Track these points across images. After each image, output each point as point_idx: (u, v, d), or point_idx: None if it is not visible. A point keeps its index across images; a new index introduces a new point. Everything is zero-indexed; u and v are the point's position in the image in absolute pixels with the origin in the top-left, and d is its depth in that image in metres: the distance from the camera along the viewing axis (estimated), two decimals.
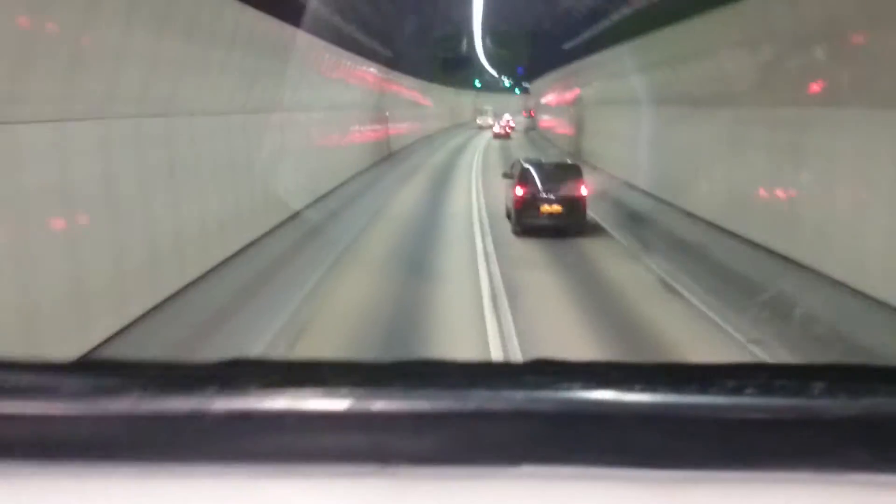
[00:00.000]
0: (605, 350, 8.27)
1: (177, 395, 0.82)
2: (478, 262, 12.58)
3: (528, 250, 13.92)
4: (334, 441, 0.81)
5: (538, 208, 14.94)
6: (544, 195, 14.91)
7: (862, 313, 9.19)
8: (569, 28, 31.20)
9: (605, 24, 24.69)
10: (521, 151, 32.56)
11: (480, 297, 10.25)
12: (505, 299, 10.08)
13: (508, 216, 16.35)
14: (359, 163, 26.08)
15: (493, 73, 79.98)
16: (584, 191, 15.27)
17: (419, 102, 46.19)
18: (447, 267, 12.65)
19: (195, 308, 9.53)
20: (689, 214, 16.41)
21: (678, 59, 16.99)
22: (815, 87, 10.77)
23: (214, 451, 0.81)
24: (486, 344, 8.38)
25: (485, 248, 13.76)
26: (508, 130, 56.06)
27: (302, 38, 15.56)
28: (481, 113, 72.08)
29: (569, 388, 0.82)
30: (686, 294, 10.62)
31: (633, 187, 21.29)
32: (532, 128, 60.91)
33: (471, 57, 64.36)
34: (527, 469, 0.79)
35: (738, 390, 0.82)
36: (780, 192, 12.32)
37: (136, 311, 8.68)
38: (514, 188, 15.66)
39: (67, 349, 6.91)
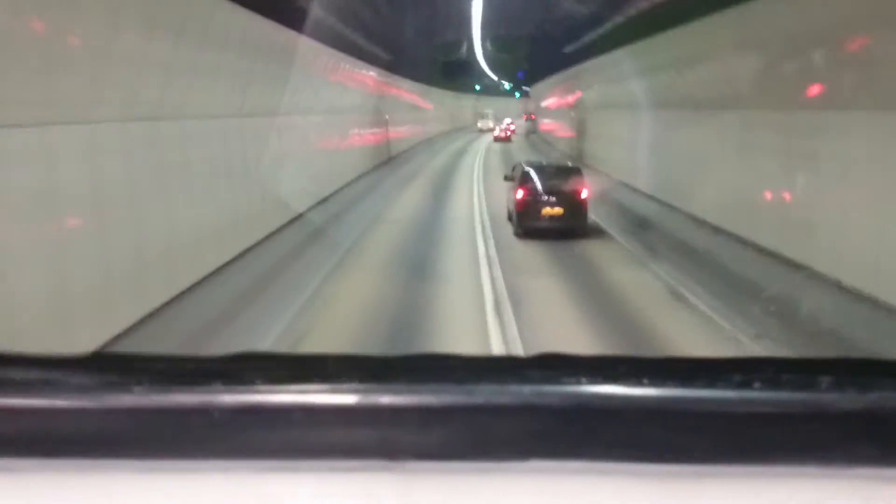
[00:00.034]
0: None
1: (183, 389, 0.83)
2: (480, 266, 12.33)
3: (532, 255, 13.66)
4: (341, 436, 0.82)
5: (539, 211, 15.00)
6: (545, 197, 14.97)
7: (883, 321, 8.97)
8: (570, 32, 31.19)
9: (606, 27, 24.65)
10: (522, 155, 32.53)
11: (483, 304, 9.99)
12: (508, 306, 9.80)
13: (510, 218, 16.38)
14: (358, 167, 25.88)
15: (494, 76, 79.97)
16: (585, 193, 15.31)
17: (419, 106, 46.20)
18: (449, 274, 12.34)
19: (183, 320, 9.26)
20: (695, 219, 16.03)
21: (683, 62, 16.74)
22: (830, 90, 10.49)
23: (221, 446, 0.81)
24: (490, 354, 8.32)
25: (487, 252, 13.47)
26: (509, 134, 56.21)
27: (299, 41, 15.50)
28: (482, 116, 72.23)
29: (576, 383, 0.82)
30: (694, 301, 10.33)
31: (636, 191, 21.02)
32: (533, 131, 60.95)
33: (471, 60, 64.32)
34: (534, 464, 0.79)
35: (745, 384, 0.82)
36: (792, 197, 12.01)
37: (126, 320, 8.48)
38: (515, 190, 15.74)
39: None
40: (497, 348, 8.30)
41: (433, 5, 36.73)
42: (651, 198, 19.44)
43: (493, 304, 9.94)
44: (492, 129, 61.35)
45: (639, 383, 0.82)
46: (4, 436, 0.81)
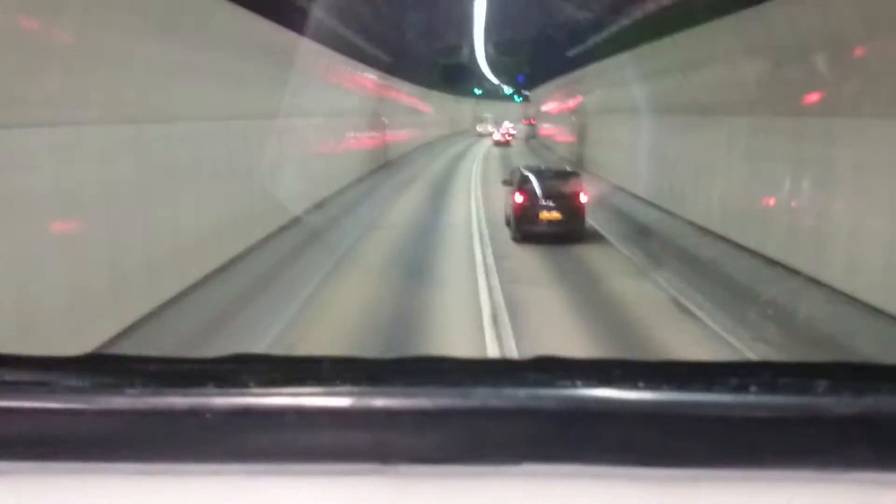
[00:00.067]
0: None
1: (176, 391, 0.83)
2: (477, 276, 12.05)
3: (531, 264, 13.42)
4: (335, 439, 0.82)
5: (537, 215, 15.15)
6: (543, 202, 15.16)
7: None
8: (571, 36, 31.25)
9: (609, 31, 24.62)
10: (522, 160, 32.50)
11: (480, 315, 9.73)
12: (506, 317, 9.56)
13: (508, 223, 16.51)
14: (354, 171, 25.73)
15: (494, 80, 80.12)
16: (583, 198, 15.49)
17: (418, 109, 46.25)
18: (445, 284, 11.92)
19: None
20: (700, 228, 15.72)
21: (688, 67, 16.59)
22: (847, 97, 10.24)
23: (214, 449, 0.81)
24: None
25: (484, 260, 13.23)
26: (509, 138, 56.43)
27: (295, 41, 15.40)
28: (481, 120, 72.42)
29: (571, 386, 0.83)
30: (700, 314, 9.93)
31: (638, 198, 20.89)
32: (532, 136, 61.08)
33: (471, 64, 64.46)
34: (529, 467, 0.80)
35: (741, 388, 0.82)
36: (804, 207, 11.64)
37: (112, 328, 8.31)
38: (513, 195, 15.88)
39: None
40: None
41: (434, 8, 36.81)
42: (653, 205, 19.33)
43: (490, 315, 9.69)
44: (491, 134, 61.53)
45: (634, 387, 0.82)
46: None
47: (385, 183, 26.86)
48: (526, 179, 15.81)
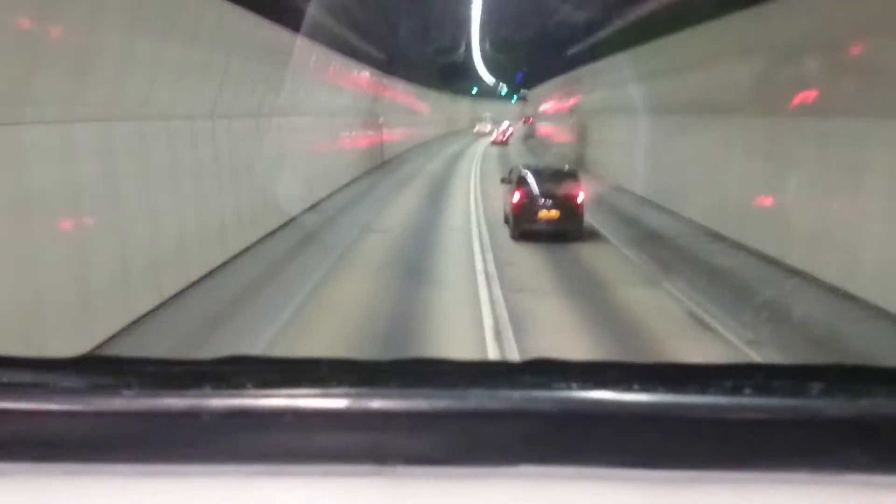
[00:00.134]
0: None
1: (173, 392, 0.84)
2: (478, 285, 11.52)
3: (535, 271, 12.98)
4: (331, 440, 0.83)
5: (536, 213, 15.36)
6: (542, 201, 15.36)
7: None
8: (570, 35, 31.28)
9: (608, 30, 24.57)
10: (520, 160, 32.43)
11: (482, 330, 9.18)
12: (510, 334, 8.96)
13: (507, 221, 16.67)
14: (349, 171, 25.53)
15: (491, 80, 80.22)
16: (581, 196, 15.72)
17: (415, 109, 46.27)
18: (443, 295, 11.23)
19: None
20: (712, 233, 15.13)
21: (696, 64, 16.28)
22: (875, 97, 9.84)
23: (211, 450, 0.82)
24: None
25: (486, 268, 12.76)
26: (507, 138, 56.61)
27: (289, 39, 15.29)
28: (479, 120, 72.53)
29: (567, 388, 0.84)
30: (721, 330, 9.34)
31: (643, 200, 20.57)
32: (530, 135, 61.18)
33: (469, 63, 64.57)
34: (525, 469, 0.81)
35: (736, 390, 0.84)
36: (830, 215, 11.07)
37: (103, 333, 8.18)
38: (511, 194, 16.10)
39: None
40: None
41: (431, 6, 36.81)
42: (658, 207, 19.10)
43: (493, 331, 9.13)
44: (488, 133, 61.69)
45: (630, 389, 0.83)
46: None
47: (381, 183, 26.70)
48: (524, 178, 16.01)
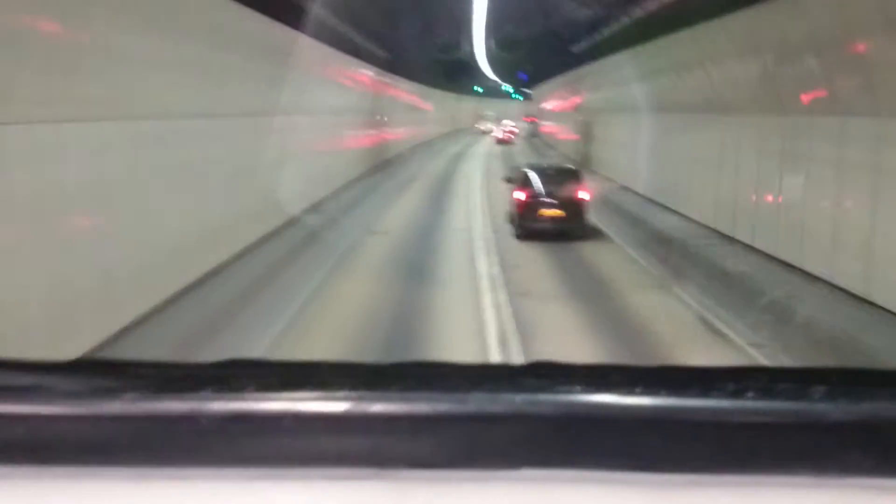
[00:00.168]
0: None
1: (172, 396, 0.85)
2: (482, 290, 11.25)
3: (540, 276, 12.74)
4: (332, 444, 0.84)
5: (539, 212, 15.59)
6: (545, 199, 15.50)
7: None
8: (575, 32, 31.26)
9: (616, 26, 24.44)
10: (525, 159, 32.39)
11: (485, 339, 8.93)
12: (517, 342, 8.71)
13: (511, 221, 16.76)
14: (351, 171, 25.40)
15: (495, 78, 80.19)
16: (585, 195, 15.97)
17: (418, 107, 46.30)
18: (446, 300, 10.92)
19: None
20: (721, 235, 14.77)
21: (707, 61, 15.92)
22: (859, 95, 9.82)
23: (210, 454, 0.83)
24: None
25: (490, 271, 12.57)
26: (510, 136, 56.77)
27: (289, 36, 15.25)
28: (482, 118, 72.65)
29: (568, 391, 0.85)
30: (735, 338, 9.17)
31: (650, 201, 20.33)
32: (534, 134, 61.28)
33: (472, 62, 64.54)
34: (526, 472, 0.81)
35: (738, 394, 0.84)
36: (851, 219, 10.71)
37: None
38: (515, 192, 16.31)
39: None
40: None
41: (434, 3, 36.80)
42: (667, 208, 18.87)
43: (497, 339, 8.93)
44: (492, 132, 61.86)
45: (632, 392, 0.84)
46: None
47: (384, 183, 26.62)
48: (528, 177, 16.33)
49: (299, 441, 0.83)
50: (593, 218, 16.98)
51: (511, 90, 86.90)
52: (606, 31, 25.91)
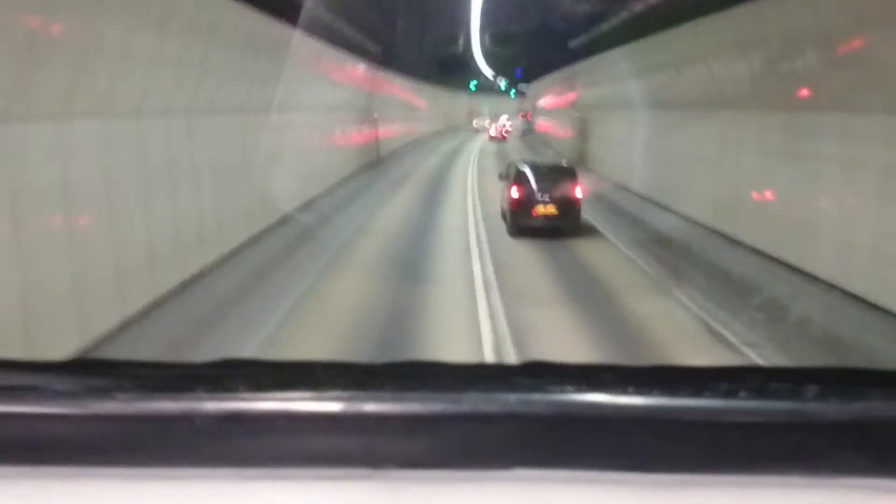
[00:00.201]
0: None
1: (166, 396, 0.85)
2: (476, 293, 10.98)
3: (535, 278, 12.49)
4: (325, 443, 0.85)
5: (533, 209, 15.60)
6: (539, 196, 15.60)
7: None
8: (571, 28, 31.30)
9: (612, 22, 24.35)
10: (519, 156, 32.37)
11: (481, 347, 8.79)
12: (511, 349, 8.59)
13: (504, 217, 16.83)
14: (343, 169, 25.28)
15: (490, 75, 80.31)
16: (578, 192, 16.00)
17: (412, 104, 46.26)
18: (439, 304, 10.67)
19: None
20: (729, 239, 14.24)
21: (708, 56, 15.57)
22: (869, 92, 9.45)
23: (204, 453, 0.84)
24: None
25: (484, 273, 12.30)
26: (505, 134, 56.88)
27: (278, 29, 15.15)
28: (477, 115, 72.64)
29: (562, 391, 0.85)
30: (738, 343, 8.90)
31: (648, 199, 20.02)
32: (528, 131, 61.28)
33: (467, 58, 64.68)
34: (519, 472, 0.82)
35: (731, 393, 0.85)
36: (862, 220, 10.30)
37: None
38: (508, 189, 16.33)
39: None
40: None
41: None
42: (665, 207, 18.58)
43: (492, 347, 8.78)
44: (486, 129, 61.94)
45: (625, 392, 0.85)
46: None
47: (377, 181, 26.56)
48: (521, 174, 16.26)
49: (293, 441, 0.84)
50: (589, 217, 16.92)
51: (506, 87, 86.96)
52: (602, 28, 25.88)
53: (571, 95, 37.16)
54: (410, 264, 13.72)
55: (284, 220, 15.63)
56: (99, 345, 8.31)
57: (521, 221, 15.60)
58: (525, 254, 14.41)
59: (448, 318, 10.02)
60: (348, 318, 10.14)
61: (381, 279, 12.49)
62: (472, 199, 22.14)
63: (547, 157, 32.45)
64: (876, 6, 9.43)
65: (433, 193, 24.18)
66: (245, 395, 0.85)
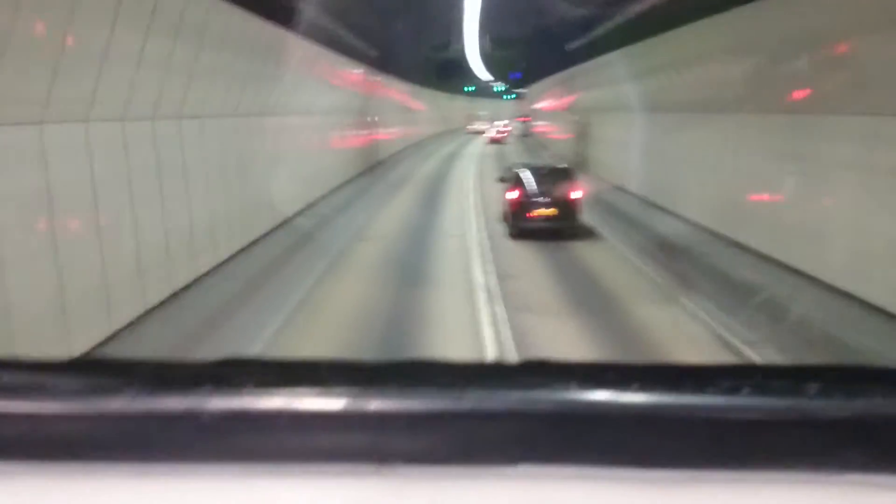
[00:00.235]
0: None
1: (171, 394, 0.86)
2: (478, 302, 10.85)
3: (540, 287, 12.21)
4: (330, 441, 0.85)
5: (533, 211, 15.87)
6: (539, 198, 15.80)
7: None
8: (569, 31, 31.32)
9: (610, 25, 24.32)
10: (518, 159, 32.35)
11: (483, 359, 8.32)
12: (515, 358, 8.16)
13: (504, 220, 17.07)
14: (340, 173, 25.12)
15: (487, 77, 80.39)
16: (577, 193, 16.27)
17: (410, 107, 46.30)
18: (441, 316, 10.45)
19: None
20: (739, 245, 13.83)
21: (713, 57, 15.33)
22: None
23: (209, 452, 0.85)
24: None
25: (486, 281, 12.12)
26: (503, 136, 57.13)
27: (277, 33, 15.12)
28: (475, 118, 72.80)
29: (564, 388, 0.86)
30: (752, 356, 8.76)
31: (655, 206, 19.44)
32: (526, 134, 61.42)
33: (465, 61, 64.73)
34: (523, 469, 0.83)
35: (733, 390, 0.86)
36: (883, 228, 9.86)
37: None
38: (508, 192, 16.63)
39: None
40: None
41: (426, 1, 36.80)
42: (670, 213, 18.11)
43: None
44: (485, 132, 62.17)
45: (627, 389, 0.86)
46: None
47: (375, 185, 26.49)
48: (520, 176, 16.63)
49: (297, 438, 0.85)
50: (591, 222, 16.98)
51: (503, 90, 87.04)
52: (601, 31, 25.88)
53: (569, 98, 37.22)
54: (411, 272, 13.48)
55: (285, 223, 15.56)
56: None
57: (520, 223, 15.86)
58: (528, 261, 14.24)
59: (449, 330, 9.81)
60: (348, 323, 10.24)
61: (381, 284, 12.44)
62: (473, 204, 22.06)
63: (545, 160, 32.46)
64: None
65: (433, 198, 24.10)
66: (250, 392, 0.86)
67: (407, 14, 34.46)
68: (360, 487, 0.81)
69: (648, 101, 20.86)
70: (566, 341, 9.39)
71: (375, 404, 0.85)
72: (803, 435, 0.85)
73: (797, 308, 10.07)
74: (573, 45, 31.64)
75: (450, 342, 9.39)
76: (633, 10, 20.28)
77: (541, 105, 53.50)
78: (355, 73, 27.49)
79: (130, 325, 9.14)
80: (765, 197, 13.48)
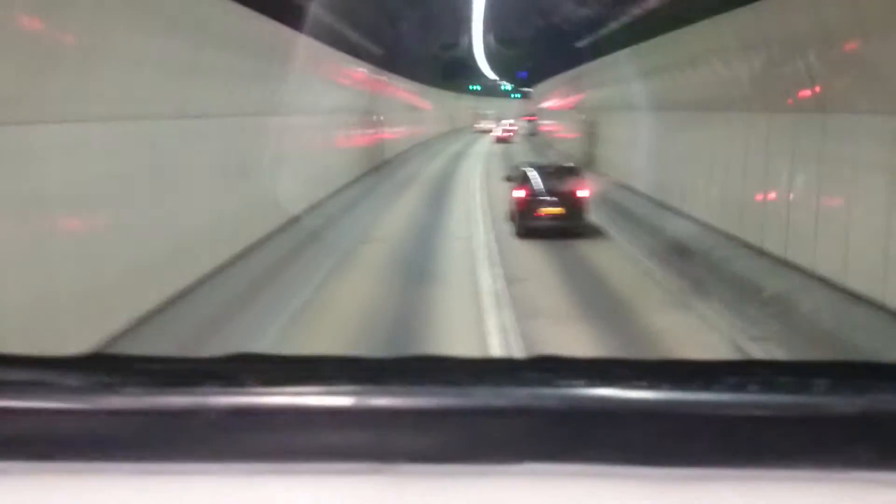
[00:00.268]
0: None
1: (176, 390, 0.86)
2: (485, 308, 10.55)
3: (549, 291, 11.91)
4: (335, 438, 0.85)
5: (540, 210, 15.87)
6: (545, 197, 15.83)
7: None
8: (576, 30, 31.29)
9: (619, 23, 24.18)
10: (525, 158, 32.27)
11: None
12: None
13: (511, 219, 17.00)
14: (346, 173, 24.94)
15: (494, 76, 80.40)
16: (584, 192, 16.26)
17: (416, 106, 46.28)
18: (448, 322, 10.23)
19: None
20: (756, 249, 13.15)
21: (730, 54, 14.64)
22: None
23: (215, 448, 0.85)
24: None
25: (494, 286, 11.80)
26: (510, 135, 57.26)
27: (283, 32, 15.11)
28: (482, 117, 72.83)
29: (572, 385, 0.86)
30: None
31: (663, 205, 18.89)
32: (533, 133, 61.36)
33: (471, 60, 64.77)
34: (529, 466, 0.83)
35: (740, 387, 0.86)
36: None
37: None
38: (514, 191, 16.63)
39: None
40: None
41: (432, 1, 36.82)
42: (682, 214, 17.35)
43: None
44: (491, 131, 62.26)
45: (634, 386, 0.86)
46: None
47: (382, 185, 26.40)
48: (527, 175, 16.67)
49: (302, 435, 0.85)
50: (599, 221, 16.91)
51: (510, 89, 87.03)
52: (609, 29, 25.80)
53: (576, 97, 37.15)
54: (417, 275, 13.14)
55: (292, 222, 15.44)
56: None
57: (527, 222, 15.87)
58: (536, 263, 14.04)
59: (456, 334, 9.58)
60: (356, 317, 10.38)
61: (386, 289, 12.14)
62: (480, 205, 21.92)
63: (552, 159, 32.40)
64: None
65: (440, 198, 23.98)
66: (255, 389, 0.86)
67: (414, 13, 34.48)
68: (365, 485, 0.81)
69: (656, 99, 20.68)
70: (578, 343, 9.10)
71: (381, 401, 0.85)
72: (811, 431, 0.85)
73: (816, 316, 9.66)
74: (580, 44, 31.60)
75: (457, 350, 9.16)
76: (641, 8, 20.18)
77: (547, 104, 53.45)
78: (361, 72, 27.49)
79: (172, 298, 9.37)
80: (780, 198, 12.85)
